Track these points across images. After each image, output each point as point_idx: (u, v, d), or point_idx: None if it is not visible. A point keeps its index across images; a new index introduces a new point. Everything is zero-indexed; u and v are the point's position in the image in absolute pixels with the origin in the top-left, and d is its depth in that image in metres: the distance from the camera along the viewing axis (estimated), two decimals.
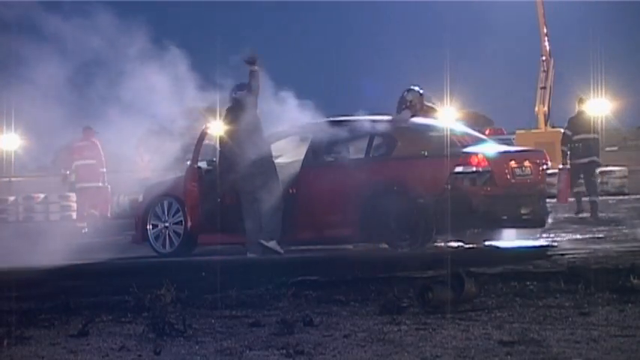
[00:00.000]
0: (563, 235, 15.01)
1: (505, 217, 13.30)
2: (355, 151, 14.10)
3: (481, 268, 10.23)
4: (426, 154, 13.28)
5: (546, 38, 39.21)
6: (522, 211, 13.46)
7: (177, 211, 14.35)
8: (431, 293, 7.60)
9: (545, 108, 38.95)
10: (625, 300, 7.75)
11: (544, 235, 14.53)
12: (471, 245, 13.46)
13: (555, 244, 13.63)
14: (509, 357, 5.91)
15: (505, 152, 13.82)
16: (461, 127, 14.85)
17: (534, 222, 13.72)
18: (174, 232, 14.35)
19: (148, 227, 14.53)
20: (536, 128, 39.14)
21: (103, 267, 13.09)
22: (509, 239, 13.82)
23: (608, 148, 69.76)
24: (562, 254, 11.84)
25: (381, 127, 13.87)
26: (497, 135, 52.23)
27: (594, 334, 6.48)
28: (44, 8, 14.51)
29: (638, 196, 27.00)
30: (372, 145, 13.72)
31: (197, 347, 6.53)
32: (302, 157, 14.02)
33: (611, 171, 31.68)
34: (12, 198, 32.14)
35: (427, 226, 12.97)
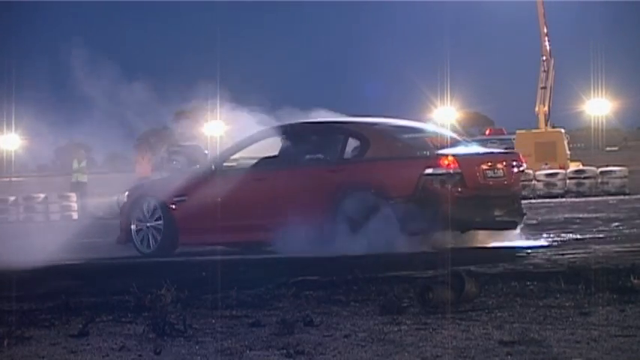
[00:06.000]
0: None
1: (478, 219, 13.28)
2: (328, 153, 13.98)
3: (481, 268, 10.23)
4: (397, 155, 13.30)
5: (546, 38, 39.22)
6: (496, 213, 13.46)
7: (155, 209, 14.25)
8: (431, 293, 7.60)
9: (546, 108, 38.95)
10: (625, 300, 7.75)
11: (544, 235, 14.52)
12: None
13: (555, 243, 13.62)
14: (509, 357, 5.91)
15: (476, 154, 13.82)
16: (435, 129, 14.80)
17: (508, 224, 13.67)
18: (156, 230, 14.24)
19: (131, 227, 14.44)
20: (537, 128, 39.15)
21: (102, 267, 13.08)
22: (510, 239, 13.78)
23: (608, 148, 69.86)
24: (562, 254, 11.84)
25: (355, 129, 13.86)
26: (498, 135, 52.27)
27: (594, 334, 6.49)
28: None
29: (638, 196, 27.01)
30: (346, 146, 13.73)
31: (197, 347, 6.53)
32: (277, 158, 13.98)
33: (611, 171, 31.70)
34: (12, 198, 32.18)
35: (398, 227, 12.90)
